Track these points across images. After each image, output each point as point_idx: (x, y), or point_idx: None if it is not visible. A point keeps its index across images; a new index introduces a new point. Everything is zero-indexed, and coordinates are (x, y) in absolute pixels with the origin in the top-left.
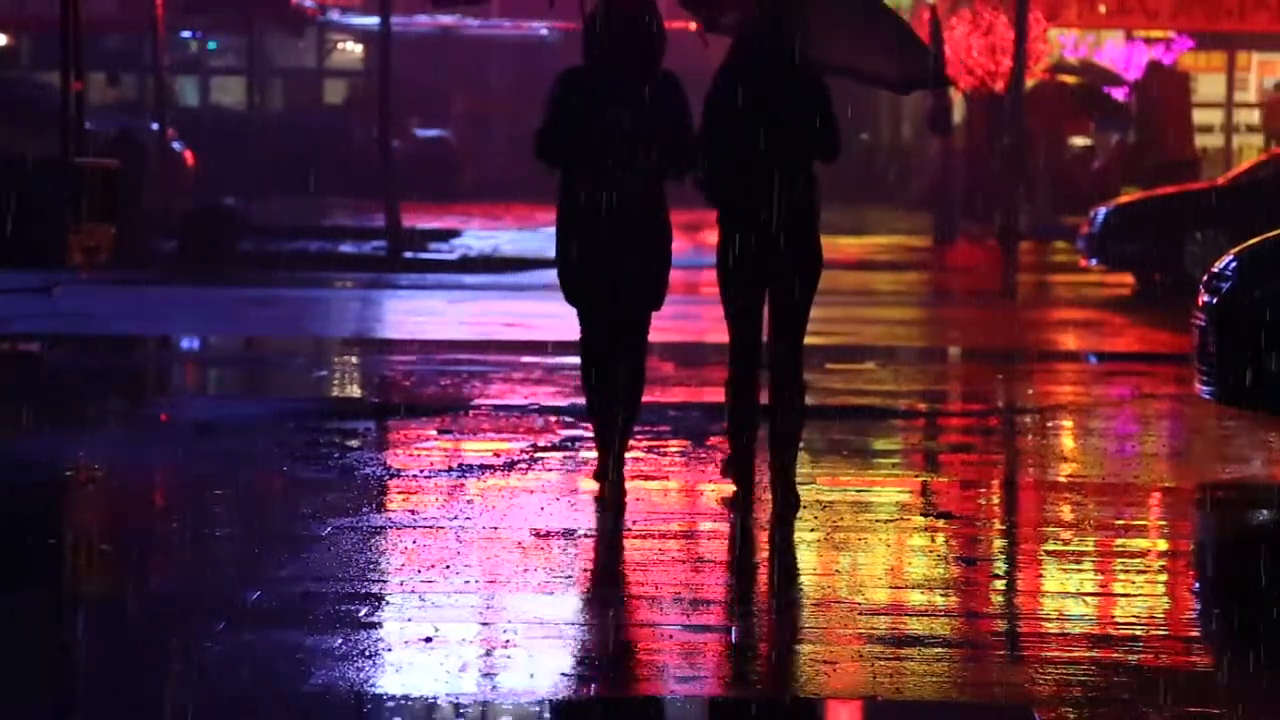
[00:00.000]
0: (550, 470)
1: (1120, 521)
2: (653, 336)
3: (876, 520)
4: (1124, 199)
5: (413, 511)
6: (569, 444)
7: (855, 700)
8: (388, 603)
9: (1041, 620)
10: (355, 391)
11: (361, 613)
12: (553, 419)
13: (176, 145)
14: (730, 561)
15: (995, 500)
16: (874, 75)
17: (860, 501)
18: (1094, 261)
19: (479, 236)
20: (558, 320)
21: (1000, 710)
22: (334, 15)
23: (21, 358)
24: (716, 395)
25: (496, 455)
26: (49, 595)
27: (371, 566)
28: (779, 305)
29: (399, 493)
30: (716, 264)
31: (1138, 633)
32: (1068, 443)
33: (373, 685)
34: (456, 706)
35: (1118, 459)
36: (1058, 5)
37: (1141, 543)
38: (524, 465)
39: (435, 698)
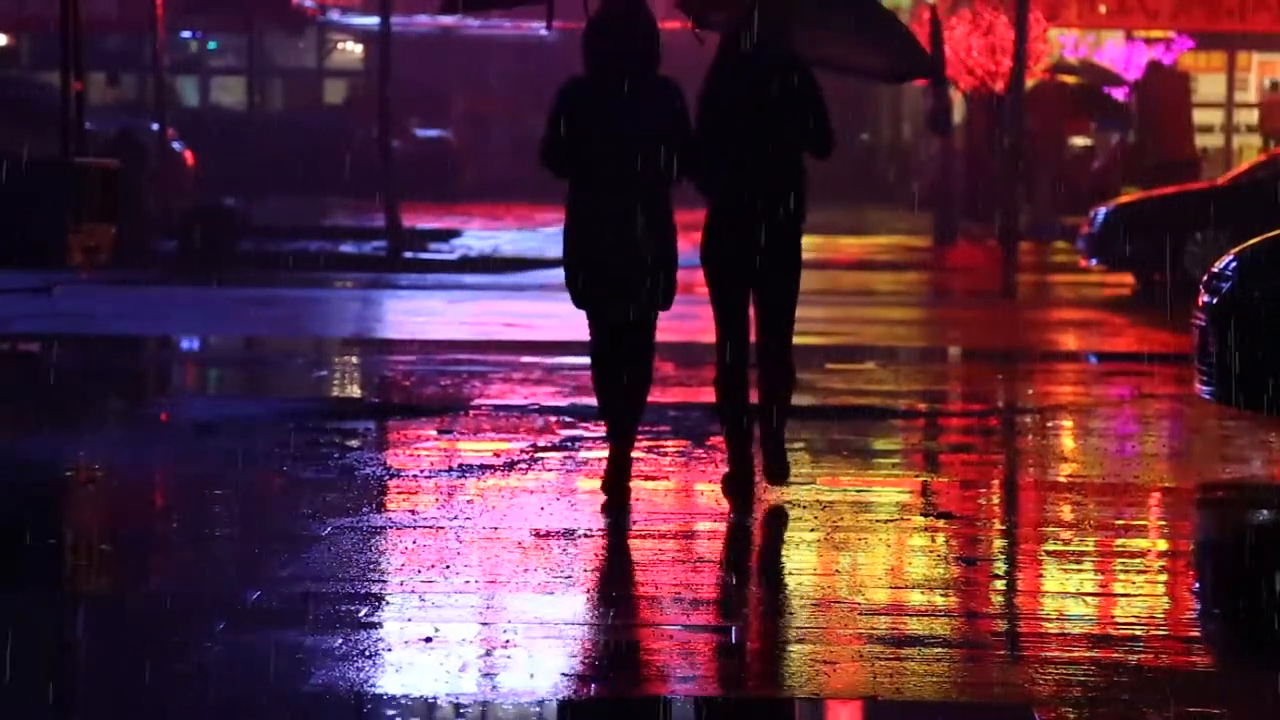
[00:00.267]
0: (550, 470)
1: (1120, 521)
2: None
3: (876, 520)
4: (1124, 199)
5: (413, 511)
6: (569, 444)
7: (855, 700)
8: (388, 603)
9: (1041, 620)
10: (355, 391)
11: (361, 613)
12: (553, 419)
13: (176, 145)
14: (730, 561)
15: (995, 500)
16: (860, 67)
17: (860, 501)
18: (1094, 261)
19: (479, 237)
20: (558, 320)
21: (1000, 710)
22: (334, 15)
23: (21, 358)
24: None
25: (496, 455)
26: (49, 595)
27: (371, 566)
28: (764, 304)
29: (399, 493)
30: (701, 257)
31: (1138, 633)
32: (1068, 443)
33: (373, 685)
34: (456, 706)
35: (1118, 459)
36: (1058, 5)
37: (1141, 543)
38: (524, 465)
39: (435, 698)
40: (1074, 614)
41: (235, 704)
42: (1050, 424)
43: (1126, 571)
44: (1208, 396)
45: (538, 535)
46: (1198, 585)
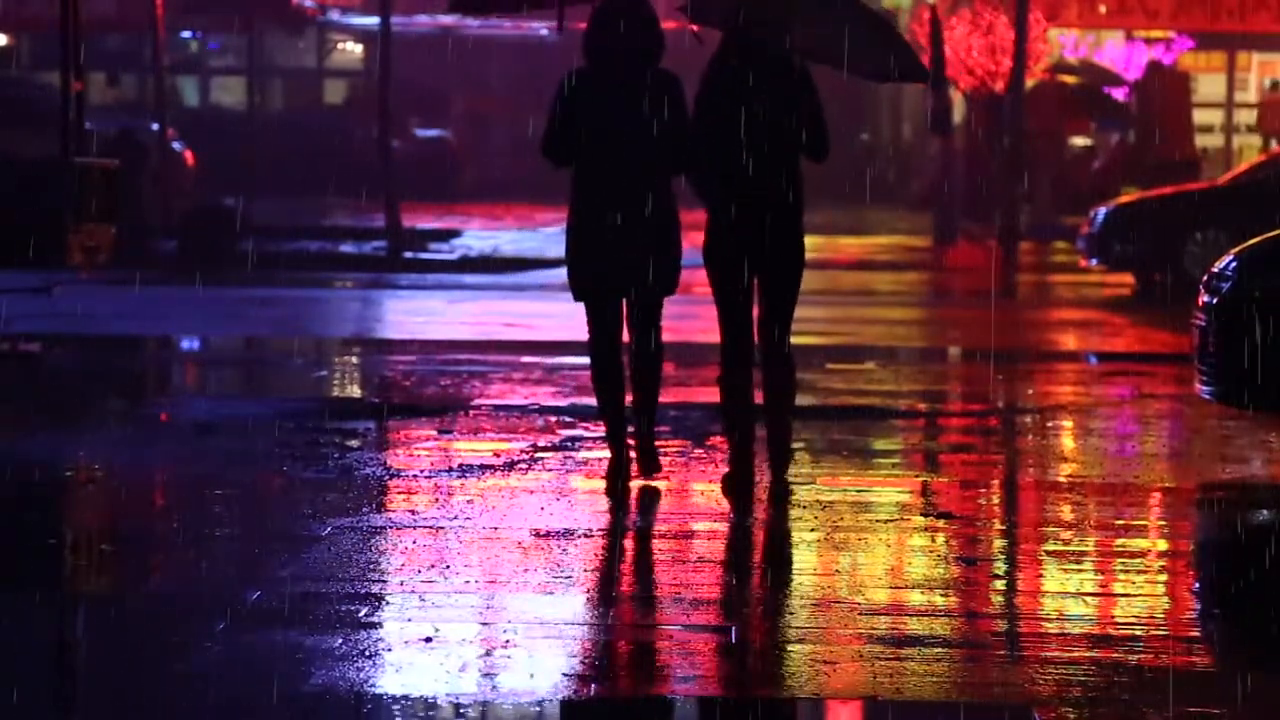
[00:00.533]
0: (550, 470)
1: (1120, 521)
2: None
3: (876, 520)
4: (1124, 199)
5: (413, 511)
6: (569, 444)
7: (855, 700)
8: (388, 603)
9: (1041, 620)
10: (355, 391)
11: (361, 613)
12: (553, 419)
13: (176, 145)
14: (730, 561)
15: (995, 500)
16: (857, 65)
17: (860, 501)
18: (1094, 261)
19: (479, 236)
20: (558, 320)
21: (1000, 710)
22: (334, 15)
23: (21, 358)
24: (717, 395)
25: (496, 455)
26: (49, 595)
27: (371, 566)
28: (767, 295)
29: (399, 493)
30: (704, 255)
31: (1138, 633)
32: (1068, 443)
33: (373, 685)
34: (456, 706)
35: (1118, 459)
36: (1058, 5)
37: (1141, 543)
38: (524, 465)
39: (435, 698)
40: (1074, 614)
41: (235, 704)
42: (1050, 424)
43: (1126, 571)
44: (1208, 396)
45: (538, 535)
46: (1198, 585)
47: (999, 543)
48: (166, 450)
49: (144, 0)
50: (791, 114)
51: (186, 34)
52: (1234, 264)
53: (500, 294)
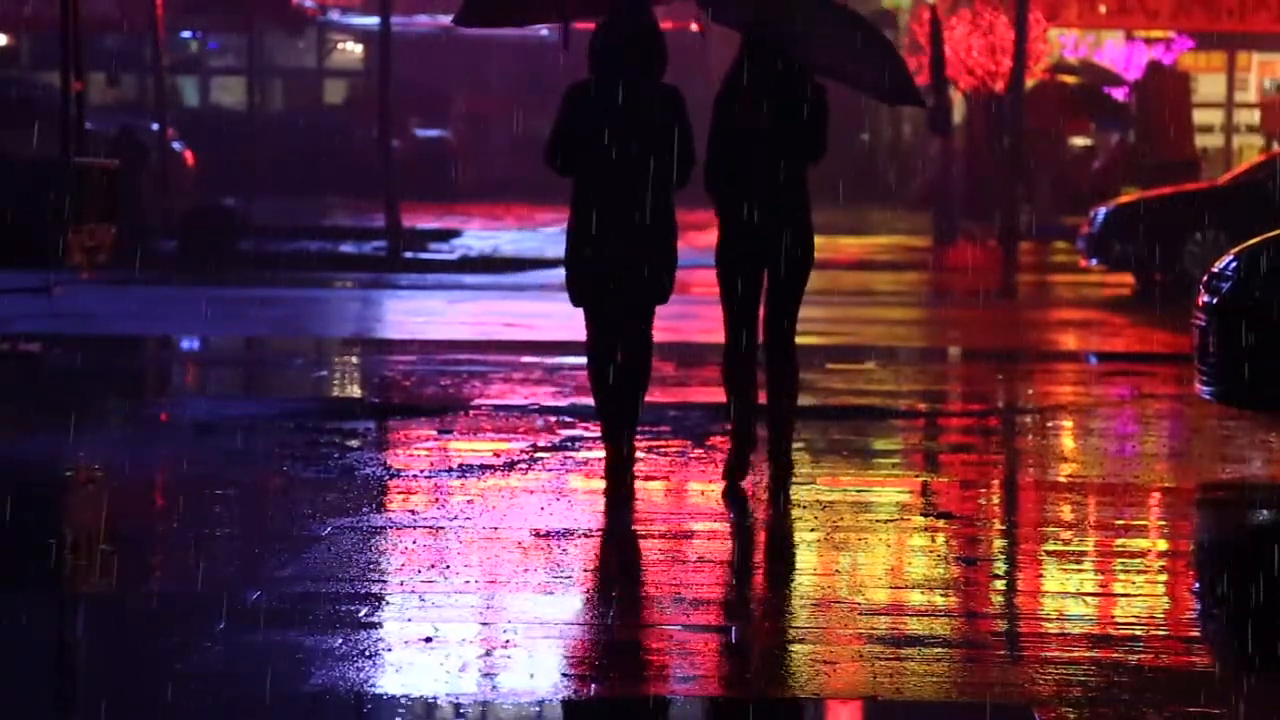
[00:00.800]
0: (550, 470)
1: (1120, 521)
2: (653, 337)
3: (876, 520)
4: (1124, 199)
5: (413, 511)
6: (569, 444)
7: (855, 700)
8: (388, 603)
9: (1041, 620)
10: (355, 391)
11: (361, 613)
12: (553, 419)
13: (176, 145)
14: (730, 561)
15: (995, 500)
16: (854, 78)
17: (860, 501)
18: (1094, 261)
19: (479, 237)
20: (558, 320)
21: (1000, 710)
22: (334, 15)
23: (21, 358)
24: (717, 395)
25: (496, 455)
26: (49, 595)
27: (371, 566)
28: (774, 293)
29: (399, 493)
30: (716, 254)
31: (1138, 633)
32: (1068, 443)
33: (373, 685)
34: (456, 706)
35: (1118, 459)
36: (1058, 5)
37: (1141, 543)
38: (524, 465)
39: (435, 698)
40: (1074, 614)
41: (235, 704)
42: (1050, 424)
43: (1126, 571)
44: (1208, 396)
45: (538, 535)
46: (1198, 585)
47: (999, 543)
48: (166, 450)
49: (144, 0)
50: (801, 119)
51: (186, 34)
52: (1234, 264)
53: (500, 294)
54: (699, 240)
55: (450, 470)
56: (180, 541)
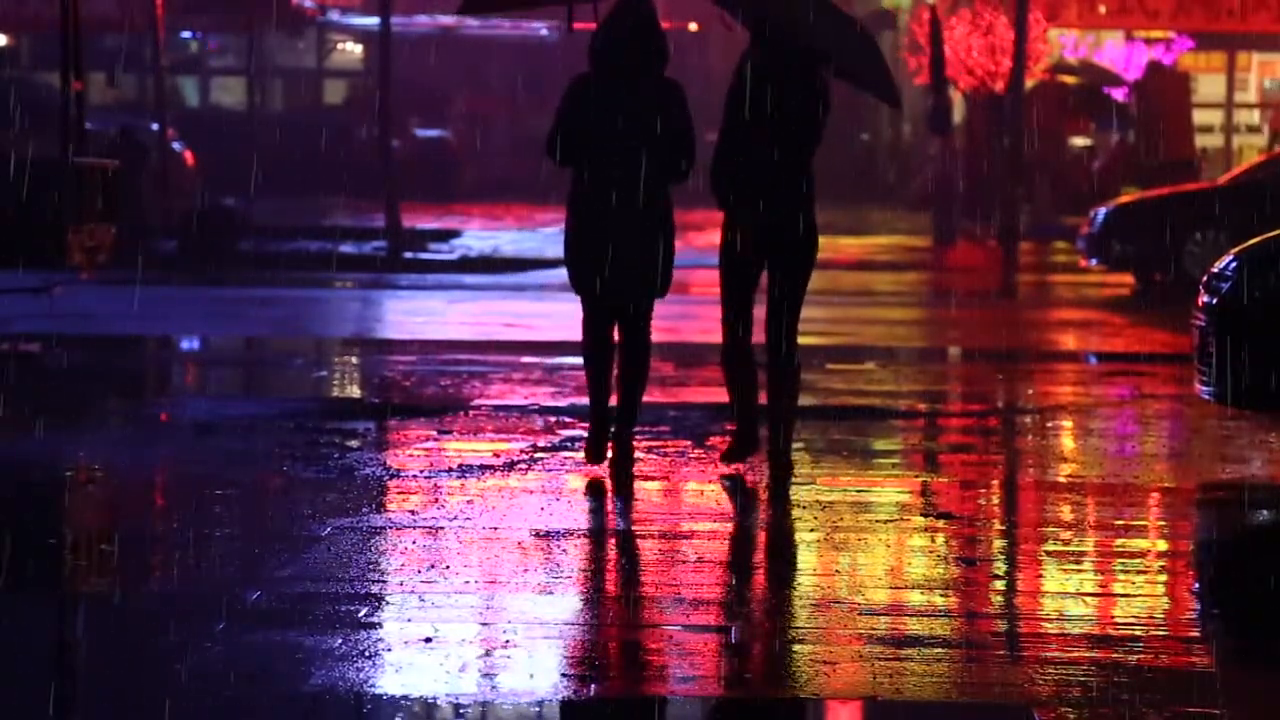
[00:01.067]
0: (550, 470)
1: (1120, 521)
2: (653, 336)
3: (876, 520)
4: (1124, 199)
5: (413, 511)
6: (569, 444)
7: (855, 700)
8: (387, 603)
9: (1041, 620)
10: (355, 392)
11: (361, 613)
12: (552, 419)
13: (176, 145)
14: (730, 561)
15: (995, 500)
16: (851, 73)
17: (860, 501)
18: (1094, 261)
19: (479, 237)
20: (558, 320)
21: (1000, 710)
22: (334, 15)
23: (21, 358)
24: (717, 395)
25: (496, 455)
26: (49, 595)
27: (371, 566)
28: (780, 286)
29: (399, 493)
30: (720, 251)
31: (1138, 633)
32: (1068, 443)
33: (373, 685)
34: (456, 706)
35: (1118, 459)
36: (1058, 5)
37: (1141, 543)
38: (524, 465)
39: (435, 698)
40: (1074, 614)
41: (235, 704)
42: (1050, 424)
43: (1126, 571)
44: (1208, 396)
45: (538, 535)
46: (1198, 585)
47: (999, 543)
48: (166, 450)
49: (144, 0)
50: (814, 115)
51: (186, 34)
52: (1234, 264)
53: (500, 294)
54: (699, 240)
55: (450, 470)
56: (180, 541)
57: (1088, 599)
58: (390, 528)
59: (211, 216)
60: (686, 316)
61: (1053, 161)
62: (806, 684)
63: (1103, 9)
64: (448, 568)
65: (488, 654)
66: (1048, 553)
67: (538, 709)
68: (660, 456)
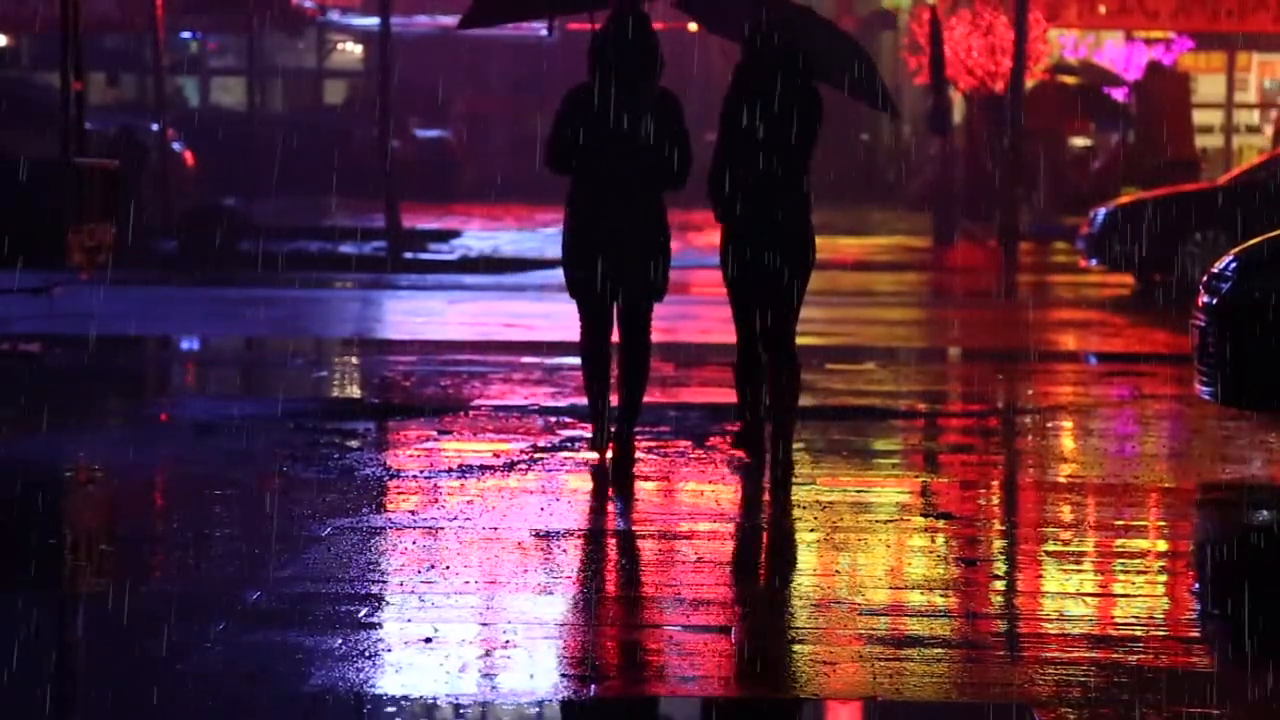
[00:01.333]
0: (550, 470)
1: (1120, 521)
2: (652, 337)
3: (876, 520)
4: (1124, 199)
5: (413, 512)
6: (569, 444)
7: (855, 700)
8: (387, 603)
9: (1041, 620)
10: (355, 392)
11: (361, 613)
12: (552, 419)
13: (176, 145)
14: (730, 561)
15: (995, 500)
16: (860, 90)
17: (860, 501)
18: (1094, 261)
19: (479, 237)
20: (558, 320)
21: (1000, 710)
22: (334, 15)
23: (21, 358)
24: (717, 395)
25: (496, 455)
26: (49, 595)
27: (371, 567)
28: (778, 290)
29: (399, 493)
30: (721, 257)
31: (1138, 633)
32: (1068, 443)
33: (373, 685)
34: (456, 707)
35: (1118, 459)
36: (1058, 5)
37: (1141, 543)
38: (524, 465)
39: (435, 698)
40: (1074, 614)
41: (235, 704)
42: (1050, 424)
43: (1126, 571)
44: (1208, 396)
45: (538, 535)
46: (1198, 585)
47: (999, 543)
48: (166, 450)
49: (144, 0)
50: (806, 121)
51: (186, 34)
52: (1234, 264)
53: (500, 294)
54: (699, 240)
55: (450, 471)
56: (180, 541)
57: (1088, 599)
58: (390, 528)
59: (211, 216)
60: (686, 317)
61: (1053, 161)
62: (806, 684)
63: (1103, 9)
64: (447, 568)
65: (488, 654)
66: (1048, 553)
67: (538, 709)
68: (660, 456)
